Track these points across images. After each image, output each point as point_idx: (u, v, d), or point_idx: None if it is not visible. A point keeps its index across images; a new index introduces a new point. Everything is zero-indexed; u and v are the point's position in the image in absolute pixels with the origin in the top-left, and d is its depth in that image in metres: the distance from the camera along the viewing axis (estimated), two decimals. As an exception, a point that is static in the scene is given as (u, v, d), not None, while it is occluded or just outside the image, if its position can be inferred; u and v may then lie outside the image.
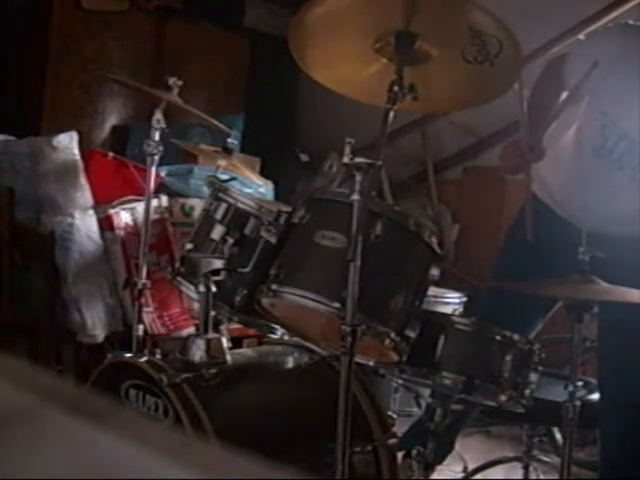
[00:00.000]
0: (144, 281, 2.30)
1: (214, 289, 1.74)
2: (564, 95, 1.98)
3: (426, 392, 2.27)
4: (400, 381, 1.88)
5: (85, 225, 2.71)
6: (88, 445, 0.31)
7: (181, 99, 2.38)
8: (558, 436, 2.45)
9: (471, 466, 2.43)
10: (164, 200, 2.91)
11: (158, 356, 1.75)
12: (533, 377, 1.74)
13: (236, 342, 2.56)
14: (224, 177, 2.07)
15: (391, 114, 1.56)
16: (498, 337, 1.72)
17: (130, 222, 2.80)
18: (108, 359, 1.82)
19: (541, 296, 1.81)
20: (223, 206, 1.85)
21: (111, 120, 4.28)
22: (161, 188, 2.92)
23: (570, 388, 1.64)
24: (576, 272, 1.66)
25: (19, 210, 2.70)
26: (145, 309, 2.61)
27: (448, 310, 2.96)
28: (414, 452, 1.84)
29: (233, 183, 2.08)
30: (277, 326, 1.89)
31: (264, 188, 3.22)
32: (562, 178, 2.06)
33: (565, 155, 2.04)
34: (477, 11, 1.55)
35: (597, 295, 1.68)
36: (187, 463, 0.30)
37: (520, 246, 2.06)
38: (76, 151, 2.76)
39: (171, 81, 2.37)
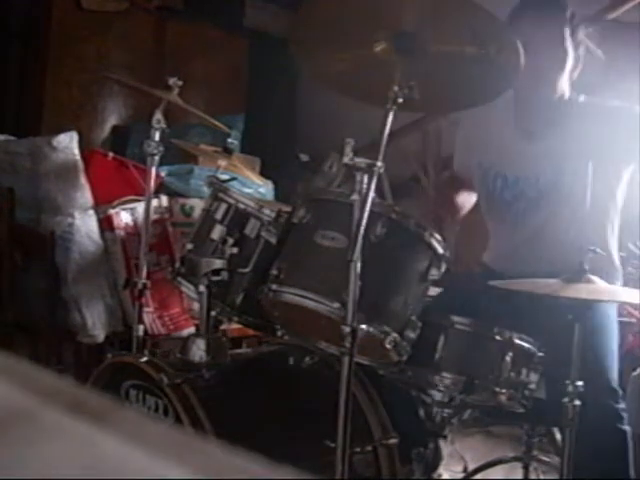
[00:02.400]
0: (144, 281, 2.29)
1: (214, 289, 1.74)
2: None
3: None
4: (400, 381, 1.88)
5: (85, 225, 2.71)
6: (88, 445, 0.31)
7: (181, 99, 2.38)
8: (558, 436, 2.45)
9: (471, 466, 2.43)
10: (164, 200, 2.91)
11: (158, 356, 1.75)
12: (533, 377, 1.74)
13: (236, 342, 2.57)
14: (224, 177, 2.07)
15: (391, 114, 1.56)
16: (498, 337, 1.72)
17: (130, 222, 2.80)
18: (108, 359, 1.82)
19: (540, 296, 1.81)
20: (223, 206, 1.85)
21: (111, 120, 4.28)
22: (161, 188, 2.91)
23: (570, 388, 1.64)
24: (576, 272, 1.66)
25: (19, 210, 2.70)
26: (145, 309, 2.60)
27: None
28: (414, 452, 1.84)
29: (233, 183, 2.08)
30: (277, 326, 1.89)
31: (264, 188, 3.22)
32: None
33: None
34: (477, 11, 1.55)
35: (597, 295, 1.68)
36: (187, 463, 0.30)
37: None
38: (76, 151, 2.76)
39: (171, 81, 2.36)
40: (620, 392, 1.86)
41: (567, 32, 1.98)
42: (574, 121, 2.01)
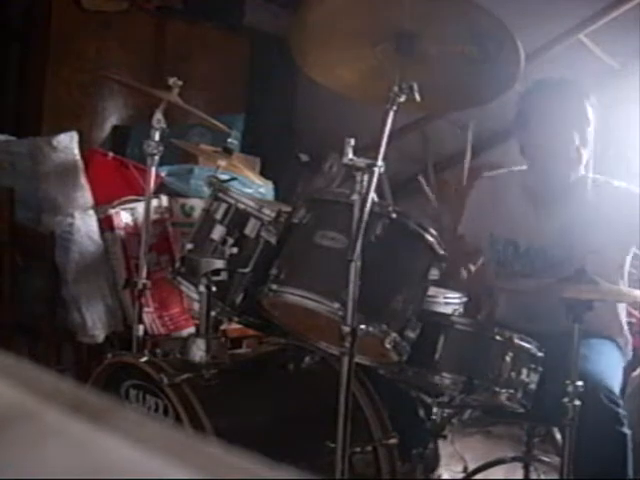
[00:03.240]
0: (144, 281, 2.29)
1: (214, 289, 1.74)
2: None
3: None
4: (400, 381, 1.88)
5: (85, 225, 2.71)
6: (88, 445, 0.31)
7: (181, 99, 2.38)
8: (558, 436, 2.45)
9: (471, 466, 2.43)
10: (164, 200, 2.91)
11: (158, 356, 1.75)
12: (533, 377, 1.74)
13: (236, 342, 2.57)
14: (224, 177, 2.07)
15: (391, 114, 1.56)
16: (498, 337, 1.72)
17: (130, 222, 2.80)
18: (108, 359, 1.82)
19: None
20: (223, 206, 1.85)
21: (111, 120, 4.28)
22: (161, 188, 2.91)
23: (570, 388, 1.64)
24: (576, 272, 1.66)
25: (19, 210, 2.70)
26: (145, 309, 2.60)
27: (448, 310, 2.95)
28: (414, 452, 1.84)
29: (233, 183, 2.08)
30: (277, 326, 1.89)
31: (264, 188, 3.21)
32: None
33: None
34: (477, 11, 1.55)
35: (597, 295, 1.68)
36: (187, 463, 0.30)
37: None
38: (76, 151, 2.75)
39: (171, 81, 2.36)
40: (619, 394, 1.85)
41: (590, 112, 2.03)
42: (586, 198, 2.06)
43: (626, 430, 1.78)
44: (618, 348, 2.09)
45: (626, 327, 2.18)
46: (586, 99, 2.05)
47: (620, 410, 1.78)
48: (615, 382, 1.87)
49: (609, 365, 1.96)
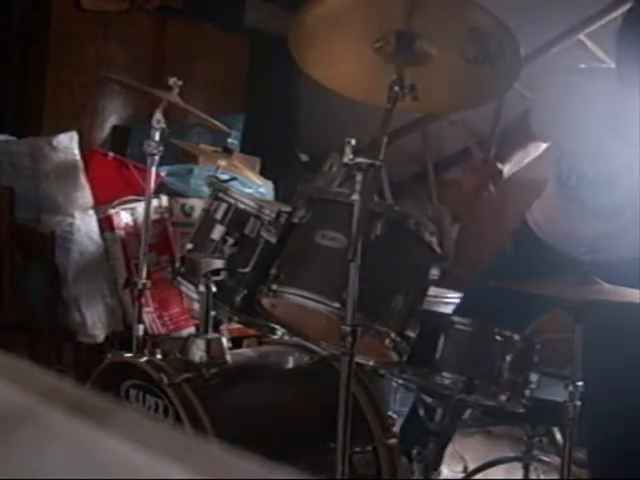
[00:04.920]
0: (144, 281, 2.30)
1: (214, 289, 1.74)
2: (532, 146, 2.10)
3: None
4: (400, 381, 1.88)
5: (85, 225, 2.71)
6: (88, 445, 0.31)
7: (181, 99, 2.38)
8: (558, 436, 2.45)
9: (471, 466, 2.43)
10: (164, 200, 2.91)
11: (158, 356, 1.75)
12: (533, 377, 1.74)
13: (236, 342, 2.56)
14: (224, 177, 2.07)
15: (391, 114, 1.56)
16: (498, 337, 1.72)
17: (130, 222, 2.80)
18: (108, 359, 1.82)
19: (539, 296, 1.81)
20: (223, 206, 1.85)
21: (111, 120, 4.28)
22: (161, 188, 2.91)
23: (570, 388, 1.64)
24: (576, 273, 1.66)
25: (19, 210, 2.70)
26: (145, 309, 2.60)
27: (448, 310, 2.96)
28: (414, 452, 1.84)
29: (233, 183, 2.08)
30: (277, 326, 1.89)
31: (264, 188, 3.21)
32: (542, 206, 2.17)
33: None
34: (477, 11, 1.55)
35: (597, 295, 1.68)
36: (187, 463, 0.30)
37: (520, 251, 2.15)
38: (76, 151, 2.75)
39: (171, 81, 2.36)
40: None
41: None
42: None
43: None
44: None
45: None
46: None
47: None
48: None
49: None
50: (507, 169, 2.04)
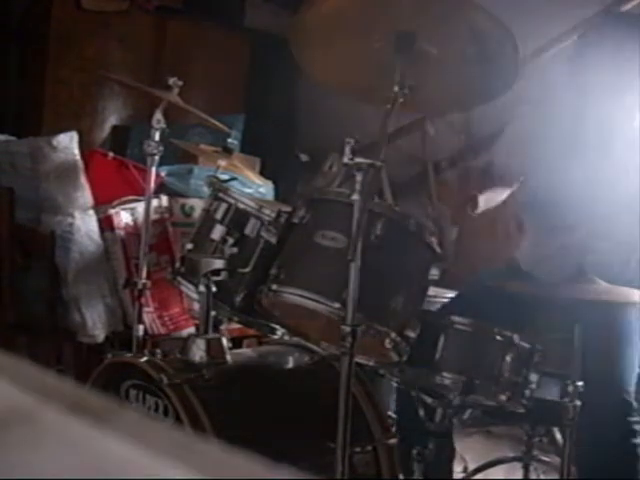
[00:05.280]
0: (144, 281, 2.29)
1: (214, 289, 1.74)
2: None
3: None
4: (398, 381, 1.88)
5: (85, 225, 2.71)
6: (88, 445, 0.31)
7: (181, 99, 2.38)
8: (558, 436, 2.45)
9: (471, 466, 2.43)
10: (164, 200, 2.91)
11: (158, 356, 1.75)
12: (533, 377, 1.74)
13: (236, 342, 2.56)
14: (224, 177, 2.07)
15: (391, 114, 1.56)
16: (498, 337, 1.72)
17: (130, 222, 2.80)
18: (108, 359, 1.82)
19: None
20: (223, 206, 1.85)
21: (111, 120, 4.27)
22: (161, 188, 2.91)
23: (570, 388, 1.64)
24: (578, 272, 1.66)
25: (19, 210, 2.70)
26: (145, 309, 2.60)
27: (448, 310, 2.95)
28: (414, 452, 1.84)
29: (233, 183, 2.08)
30: (277, 326, 1.89)
31: (264, 188, 3.21)
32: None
33: None
34: (477, 11, 1.55)
35: (597, 295, 1.68)
36: (187, 463, 0.30)
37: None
38: (76, 151, 2.75)
39: (171, 81, 2.36)
40: (634, 405, 1.84)
41: None
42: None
43: (638, 440, 1.78)
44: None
45: None
46: None
47: (633, 419, 1.78)
48: (632, 379, 1.86)
49: (630, 364, 1.91)
50: (483, 201, 2.12)
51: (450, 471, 2.10)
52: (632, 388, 1.88)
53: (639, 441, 1.78)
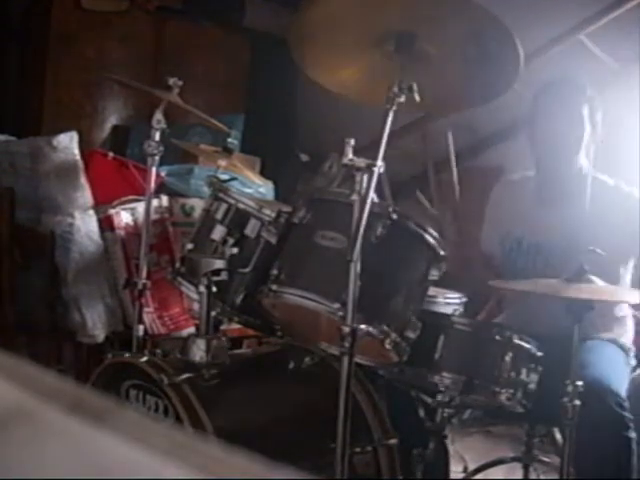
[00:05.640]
0: (144, 281, 2.29)
1: (214, 289, 1.74)
2: None
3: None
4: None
5: (85, 225, 2.71)
6: (88, 445, 0.31)
7: (181, 99, 2.38)
8: (558, 436, 2.45)
9: (471, 466, 2.43)
10: (164, 200, 2.91)
11: (158, 356, 1.75)
12: (533, 377, 1.74)
13: (236, 342, 2.57)
14: (224, 177, 2.07)
15: (391, 114, 1.56)
16: (498, 337, 1.72)
17: (130, 222, 2.80)
18: (108, 359, 1.82)
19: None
20: (223, 206, 1.85)
21: (111, 120, 4.27)
22: (161, 188, 2.91)
23: (570, 388, 1.64)
24: (576, 272, 1.66)
25: (19, 210, 2.70)
26: (145, 309, 2.60)
27: (448, 310, 2.96)
28: (414, 452, 1.84)
29: (233, 183, 2.08)
30: (277, 326, 1.89)
31: (264, 188, 3.21)
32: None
33: None
34: (477, 11, 1.55)
35: (597, 295, 1.68)
36: (187, 463, 0.30)
37: None
38: (76, 151, 2.75)
39: (171, 81, 2.36)
40: (625, 398, 1.84)
41: (586, 111, 2.07)
42: (586, 196, 2.07)
43: (632, 434, 1.78)
44: (622, 350, 2.09)
45: (630, 330, 2.17)
46: (585, 98, 2.08)
47: (626, 414, 1.78)
48: (622, 386, 1.87)
49: (615, 369, 1.96)
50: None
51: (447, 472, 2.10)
52: (623, 384, 1.89)
53: (632, 434, 1.78)
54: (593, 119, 2.09)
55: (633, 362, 2.14)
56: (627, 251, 2.07)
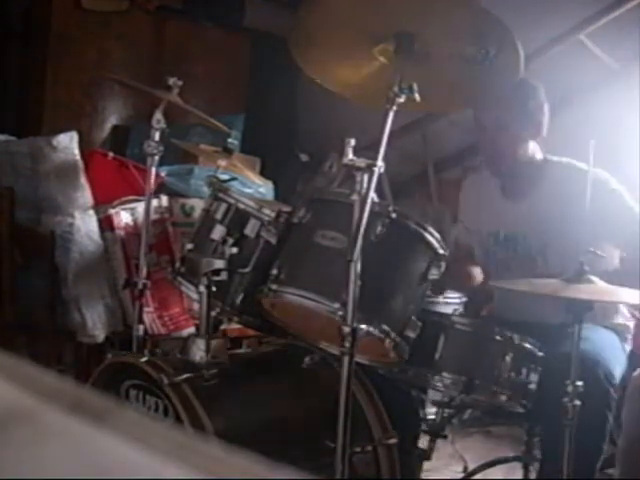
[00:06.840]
0: (144, 281, 2.29)
1: (214, 289, 1.74)
2: None
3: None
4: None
5: (85, 225, 2.71)
6: (88, 445, 0.31)
7: (181, 99, 2.38)
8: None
9: (471, 466, 2.43)
10: (164, 200, 2.91)
11: (158, 356, 1.75)
12: (533, 377, 1.74)
13: (236, 342, 2.57)
14: (224, 177, 2.07)
15: (391, 114, 1.56)
16: (498, 337, 1.72)
17: (130, 222, 2.80)
18: (108, 359, 1.82)
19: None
20: (223, 206, 1.85)
21: (111, 120, 4.27)
22: (161, 188, 2.91)
23: (570, 388, 1.64)
24: (576, 272, 1.66)
25: (19, 210, 2.70)
26: (145, 309, 2.60)
27: (448, 310, 2.95)
28: (414, 452, 1.84)
29: (233, 183, 2.08)
30: (277, 326, 1.89)
31: (264, 188, 3.21)
32: None
33: None
34: (477, 11, 1.55)
35: (597, 295, 1.68)
36: (187, 463, 0.30)
37: None
38: (76, 151, 2.75)
39: (171, 81, 2.36)
40: (615, 376, 1.86)
41: (536, 106, 2.08)
42: (548, 180, 2.10)
43: (609, 415, 1.78)
44: (617, 335, 2.09)
45: (626, 315, 2.17)
46: (532, 97, 2.09)
47: (612, 391, 1.79)
48: (614, 364, 1.88)
49: (610, 348, 1.98)
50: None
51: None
52: (617, 364, 1.91)
53: (610, 415, 1.78)
54: (525, 107, 2.06)
55: (628, 348, 2.15)
56: (599, 235, 1.95)
